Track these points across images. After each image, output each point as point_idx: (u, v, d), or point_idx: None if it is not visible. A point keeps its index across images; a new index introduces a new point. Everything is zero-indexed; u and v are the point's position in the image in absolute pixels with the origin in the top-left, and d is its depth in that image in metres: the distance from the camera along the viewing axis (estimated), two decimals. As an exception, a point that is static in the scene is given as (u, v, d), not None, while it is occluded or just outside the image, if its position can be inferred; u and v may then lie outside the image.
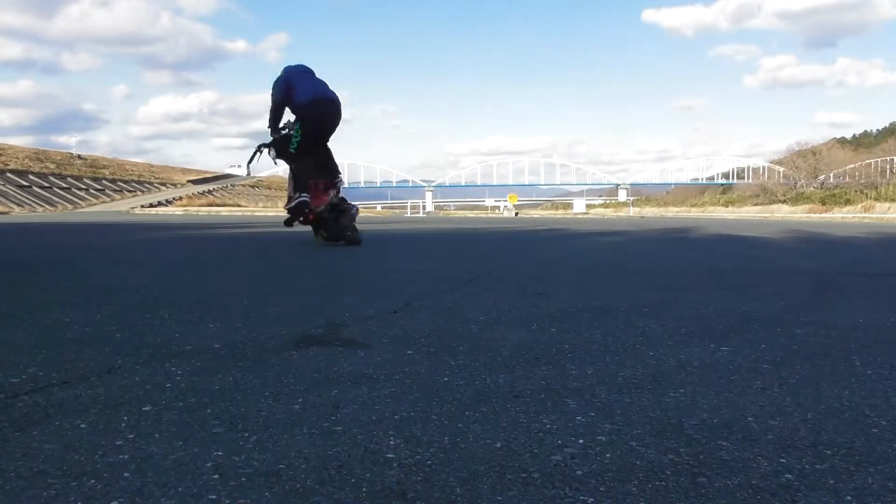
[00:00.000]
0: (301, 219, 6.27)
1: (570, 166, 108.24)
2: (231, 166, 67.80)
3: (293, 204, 6.21)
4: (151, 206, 31.84)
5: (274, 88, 6.12)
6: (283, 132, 6.18)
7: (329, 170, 6.36)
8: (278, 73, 6.22)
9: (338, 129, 6.39)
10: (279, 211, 27.61)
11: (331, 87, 6.24)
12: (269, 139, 6.29)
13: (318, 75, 6.33)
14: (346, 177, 6.83)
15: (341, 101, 6.32)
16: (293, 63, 6.83)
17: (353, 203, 6.49)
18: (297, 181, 6.31)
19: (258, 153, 6.37)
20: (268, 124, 6.25)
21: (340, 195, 6.36)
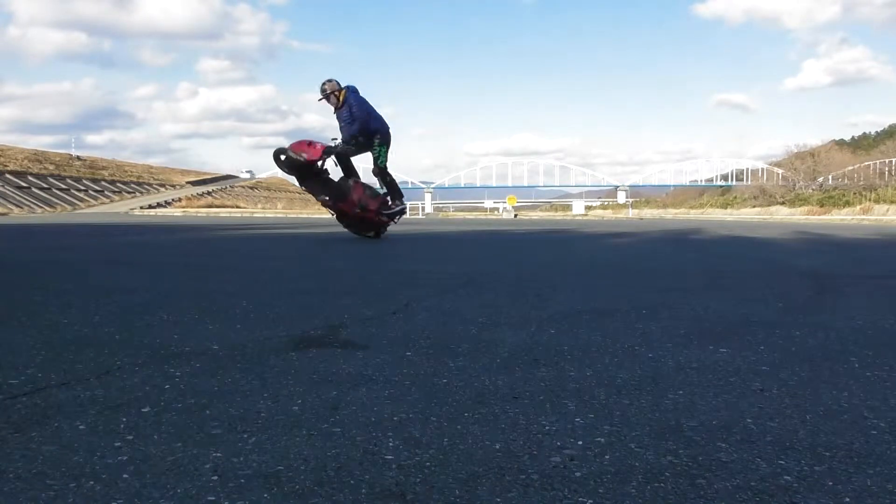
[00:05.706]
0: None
1: (573, 169, 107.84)
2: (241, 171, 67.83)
3: (397, 209, 7.30)
4: (151, 207, 31.80)
5: (363, 108, 6.92)
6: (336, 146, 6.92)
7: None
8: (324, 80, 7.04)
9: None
10: (279, 212, 27.62)
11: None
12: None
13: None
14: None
15: None
16: (329, 76, 7.43)
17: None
18: (396, 191, 7.38)
19: (328, 157, 6.92)
20: (351, 135, 6.88)
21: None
